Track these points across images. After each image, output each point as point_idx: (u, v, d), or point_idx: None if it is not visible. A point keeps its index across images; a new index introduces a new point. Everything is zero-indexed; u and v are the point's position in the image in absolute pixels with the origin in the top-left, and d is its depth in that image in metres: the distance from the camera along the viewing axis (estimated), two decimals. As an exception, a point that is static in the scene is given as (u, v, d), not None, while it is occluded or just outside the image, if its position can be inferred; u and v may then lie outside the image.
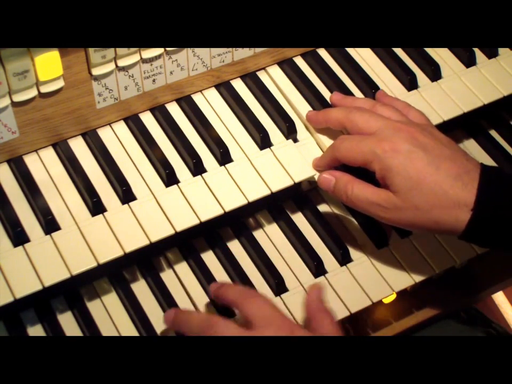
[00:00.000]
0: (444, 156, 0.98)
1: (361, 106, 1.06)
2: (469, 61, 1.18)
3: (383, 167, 0.98)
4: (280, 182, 1.05)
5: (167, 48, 1.06)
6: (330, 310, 0.96)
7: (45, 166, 1.05)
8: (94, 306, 1.03)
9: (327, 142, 1.08)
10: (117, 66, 1.03)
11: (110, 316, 1.02)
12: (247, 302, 0.94)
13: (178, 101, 1.12)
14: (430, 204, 0.96)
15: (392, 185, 0.98)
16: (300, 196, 1.14)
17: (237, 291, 0.97)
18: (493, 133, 1.22)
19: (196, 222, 1.01)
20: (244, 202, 1.03)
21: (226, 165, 1.06)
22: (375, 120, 1.02)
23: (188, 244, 1.08)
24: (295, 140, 1.10)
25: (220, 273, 1.06)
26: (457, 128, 1.21)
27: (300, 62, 1.17)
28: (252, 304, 0.93)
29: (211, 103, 1.12)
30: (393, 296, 1.11)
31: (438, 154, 0.98)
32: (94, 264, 0.96)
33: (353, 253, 1.09)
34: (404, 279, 1.07)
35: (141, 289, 1.05)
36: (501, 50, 1.21)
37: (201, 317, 0.95)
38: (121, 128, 1.09)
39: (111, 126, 1.09)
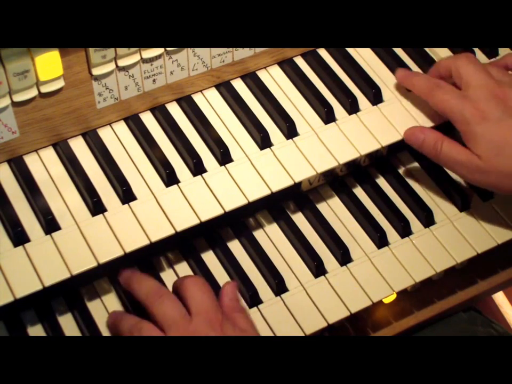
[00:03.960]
0: None
1: (471, 56, 1.09)
2: (469, 61, 1.18)
3: (468, 131, 1.01)
4: (280, 182, 1.05)
5: (167, 48, 1.06)
6: (243, 307, 0.99)
7: (45, 166, 1.05)
8: (94, 306, 1.03)
9: (329, 141, 1.08)
10: (117, 66, 1.03)
11: (110, 316, 1.02)
12: (153, 308, 0.94)
13: (178, 101, 1.12)
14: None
15: (476, 149, 1.01)
16: (300, 195, 1.14)
17: (143, 291, 0.96)
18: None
19: (196, 222, 1.01)
20: (244, 202, 1.03)
21: (226, 165, 1.06)
22: (478, 76, 1.04)
23: (188, 243, 1.08)
24: (296, 135, 1.09)
25: (220, 273, 1.07)
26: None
27: (300, 62, 1.17)
28: (156, 310, 0.93)
29: (211, 103, 1.12)
30: (393, 296, 1.11)
31: None
32: (94, 264, 0.96)
33: (353, 253, 1.09)
34: (404, 279, 1.07)
35: (141, 289, 1.05)
36: (501, 50, 1.21)
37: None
38: (122, 128, 1.09)
39: (111, 126, 1.09)
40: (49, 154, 1.06)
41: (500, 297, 1.78)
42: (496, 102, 1.02)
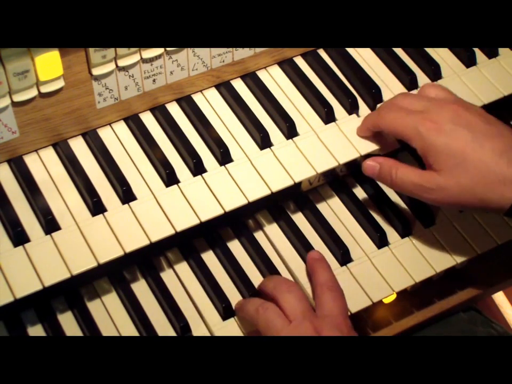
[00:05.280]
0: (489, 133, 0.98)
1: (406, 93, 1.08)
2: (469, 61, 1.18)
3: (426, 145, 0.99)
4: (280, 182, 1.05)
5: (167, 48, 1.06)
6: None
7: (45, 166, 1.05)
8: (94, 306, 1.03)
9: (329, 141, 1.08)
10: (117, 66, 1.03)
11: (110, 316, 1.02)
12: (281, 297, 0.98)
13: (178, 101, 1.12)
14: (475, 181, 0.96)
15: (435, 163, 0.98)
16: (300, 195, 1.14)
17: (271, 284, 1.02)
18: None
19: (196, 222, 1.01)
20: (244, 202, 1.03)
21: (226, 165, 1.06)
22: (420, 100, 1.03)
23: (188, 243, 1.08)
24: (296, 135, 1.09)
25: (220, 273, 1.06)
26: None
27: (300, 62, 1.17)
28: (284, 299, 0.98)
29: (211, 103, 1.12)
30: (393, 296, 1.11)
31: (483, 131, 0.98)
32: (94, 264, 0.96)
33: (353, 253, 1.09)
34: (404, 279, 1.07)
35: (141, 289, 1.05)
36: (501, 50, 1.21)
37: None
38: (122, 128, 1.09)
39: (111, 126, 1.09)
40: (49, 154, 1.06)
41: (500, 297, 1.78)
42: (447, 114, 1.00)
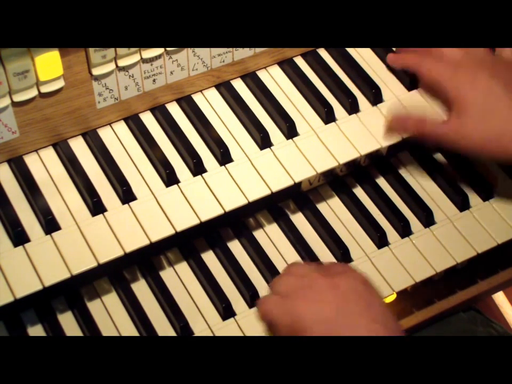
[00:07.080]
0: None
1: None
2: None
3: (459, 95, 1.05)
4: (280, 182, 1.05)
5: (167, 48, 1.06)
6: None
7: (45, 166, 1.05)
8: (94, 306, 1.03)
9: (329, 141, 1.08)
10: (117, 66, 1.03)
11: (110, 316, 1.02)
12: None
13: (178, 101, 1.12)
14: (501, 131, 1.03)
15: (465, 112, 1.04)
16: (300, 195, 1.14)
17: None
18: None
19: (196, 222, 1.01)
20: (244, 202, 1.03)
21: (226, 165, 1.06)
22: (460, 49, 1.09)
23: (188, 243, 1.08)
24: (296, 135, 1.10)
25: (220, 273, 1.07)
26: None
27: (300, 62, 1.17)
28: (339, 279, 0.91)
29: (211, 103, 1.12)
30: (393, 296, 1.11)
31: None
32: (94, 264, 0.96)
33: (353, 253, 1.09)
34: (404, 279, 1.07)
35: (141, 289, 1.05)
36: (501, 51, 1.21)
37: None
38: (122, 128, 1.09)
39: (111, 126, 1.09)
40: (49, 154, 1.06)
41: (500, 297, 1.78)
42: (485, 68, 1.06)
